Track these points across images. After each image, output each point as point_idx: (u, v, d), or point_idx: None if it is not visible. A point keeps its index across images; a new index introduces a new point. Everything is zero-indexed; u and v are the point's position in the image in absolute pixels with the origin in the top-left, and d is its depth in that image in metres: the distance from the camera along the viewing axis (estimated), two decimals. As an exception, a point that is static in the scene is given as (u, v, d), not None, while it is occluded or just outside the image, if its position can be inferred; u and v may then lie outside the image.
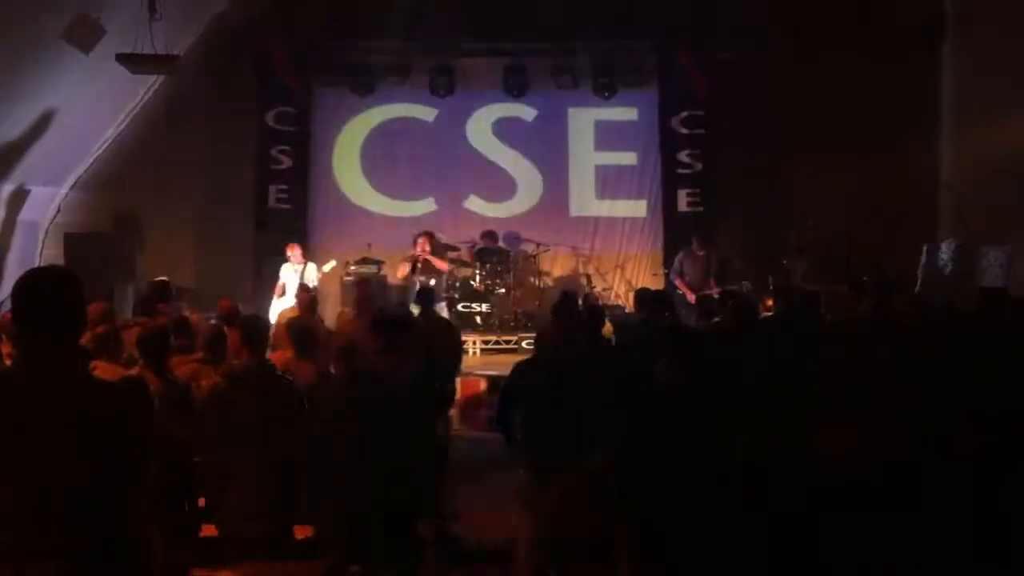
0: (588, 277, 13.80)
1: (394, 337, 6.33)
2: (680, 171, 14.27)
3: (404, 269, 12.15)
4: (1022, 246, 10.28)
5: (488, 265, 13.16)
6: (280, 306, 11.23)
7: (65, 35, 9.16)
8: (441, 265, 12.46)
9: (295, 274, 11.47)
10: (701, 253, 12.00)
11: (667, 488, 3.07)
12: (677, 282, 11.95)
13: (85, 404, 2.73)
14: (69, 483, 2.67)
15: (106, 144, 12.24)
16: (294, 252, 11.70)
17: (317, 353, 6.35)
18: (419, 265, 12.17)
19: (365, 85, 13.95)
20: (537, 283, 13.90)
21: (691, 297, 11.45)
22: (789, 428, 4.02)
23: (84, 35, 9.32)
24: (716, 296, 10.74)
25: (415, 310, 9.22)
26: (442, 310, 11.68)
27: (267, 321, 6.44)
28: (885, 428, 3.64)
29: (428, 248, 12.30)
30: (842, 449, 3.50)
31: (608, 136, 14.54)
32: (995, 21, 11.12)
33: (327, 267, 11.94)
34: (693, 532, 3.35)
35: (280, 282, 11.56)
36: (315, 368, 6.04)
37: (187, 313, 7.85)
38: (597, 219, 14.54)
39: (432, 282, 11.83)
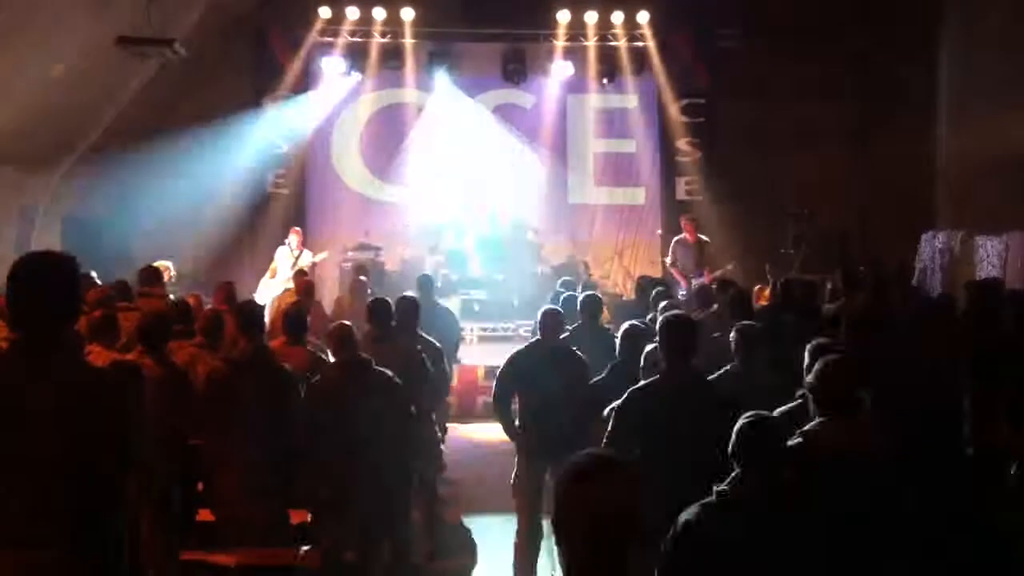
0: (586, 264, 13.78)
1: (388, 324, 6.34)
2: (679, 159, 14.26)
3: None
4: (1017, 237, 10.28)
5: (486, 252, 13.14)
6: (269, 289, 11.22)
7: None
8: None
9: (289, 258, 11.45)
10: (692, 240, 12.04)
11: (659, 479, 3.06)
12: (672, 270, 11.97)
13: (78, 390, 2.72)
14: (63, 469, 2.66)
15: (104, 128, 12.19)
16: (295, 238, 11.67)
17: (306, 338, 6.33)
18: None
19: (364, 70, 13.91)
20: (535, 271, 13.89)
21: (684, 284, 11.47)
22: (786, 421, 4.01)
23: None
24: (713, 285, 10.73)
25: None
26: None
27: (262, 307, 6.42)
28: (880, 421, 3.64)
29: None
30: (837, 443, 3.50)
31: (607, 123, 14.53)
32: (994, 13, 11.09)
33: (318, 257, 11.90)
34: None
35: (273, 264, 11.55)
36: (307, 354, 6.02)
37: (188, 298, 7.81)
38: (595, 206, 14.54)
39: (455, 277, 11.86)
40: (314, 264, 11.70)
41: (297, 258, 11.46)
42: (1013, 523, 3.06)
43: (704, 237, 12.22)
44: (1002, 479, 3.16)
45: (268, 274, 11.51)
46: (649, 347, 4.99)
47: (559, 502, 2.03)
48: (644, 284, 8.48)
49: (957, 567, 3.09)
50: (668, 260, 12.25)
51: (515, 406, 5.89)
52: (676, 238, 12.31)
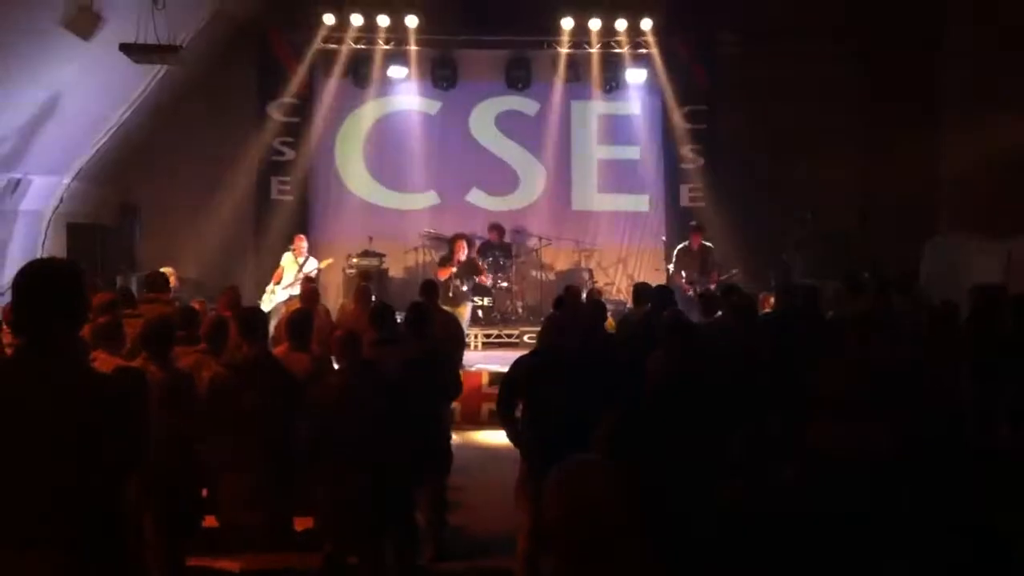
0: (590, 271, 13.80)
1: (391, 329, 6.37)
2: (682, 166, 14.26)
3: (447, 272, 11.95)
4: (1020, 241, 10.27)
5: (490, 259, 13.16)
6: (274, 295, 11.22)
7: (65, 24, 9.22)
8: (484, 279, 12.39)
9: (295, 265, 11.46)
10: (695, 246, 12.08)
11: (662, 483, 3.07)
12: (676, 278, 11.99)
13: (83, 395, 2.74)
14: (67, 472, 2.68)
15: (109, 134, 12.24)
16: (300, 244, 11.67)
17: (310, 344, 6.33)
18: (461, 268, 12.05)
19: (367, 77, 13.95)
20: (539, 277, 13.92)
21: (687, 290, 11.49)
22: (789, 423, 4.02)
23: (84, 23, 9.39)
24: (718, 292, 10.74)
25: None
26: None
27: (263, 312, 6.43)
28: (882, 425, 3.64)
29: (467, 252, 12.17)
30: (839, 445, 3.51)
31: (611, 130, 14.55)
32: (996, 13, 11.09)
33: (323, 264, 11.90)
34: (689, 528, 3.35)
35: (278, 271, 11.55)
36: (310, 359, 6.03)
37: (193, 304, 7.82)
38: (599, 213, 14.55)
39: (465, 287, 11.81)
40: (319, 271, 11.71)
41: (302, 265, 11.47)
42: (1013, 523, 3.07)
43: (707, 243, 12.26)
44: (1002, 479, 3.17)
45: (272, 280, 11.53)
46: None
47: (545, 505, 2.05)
48: (640, 291, 8.43)
49: (957, 567, 3.09)
50: (671, 268, 12.27)
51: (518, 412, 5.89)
52: (679, 246, 12.34)
